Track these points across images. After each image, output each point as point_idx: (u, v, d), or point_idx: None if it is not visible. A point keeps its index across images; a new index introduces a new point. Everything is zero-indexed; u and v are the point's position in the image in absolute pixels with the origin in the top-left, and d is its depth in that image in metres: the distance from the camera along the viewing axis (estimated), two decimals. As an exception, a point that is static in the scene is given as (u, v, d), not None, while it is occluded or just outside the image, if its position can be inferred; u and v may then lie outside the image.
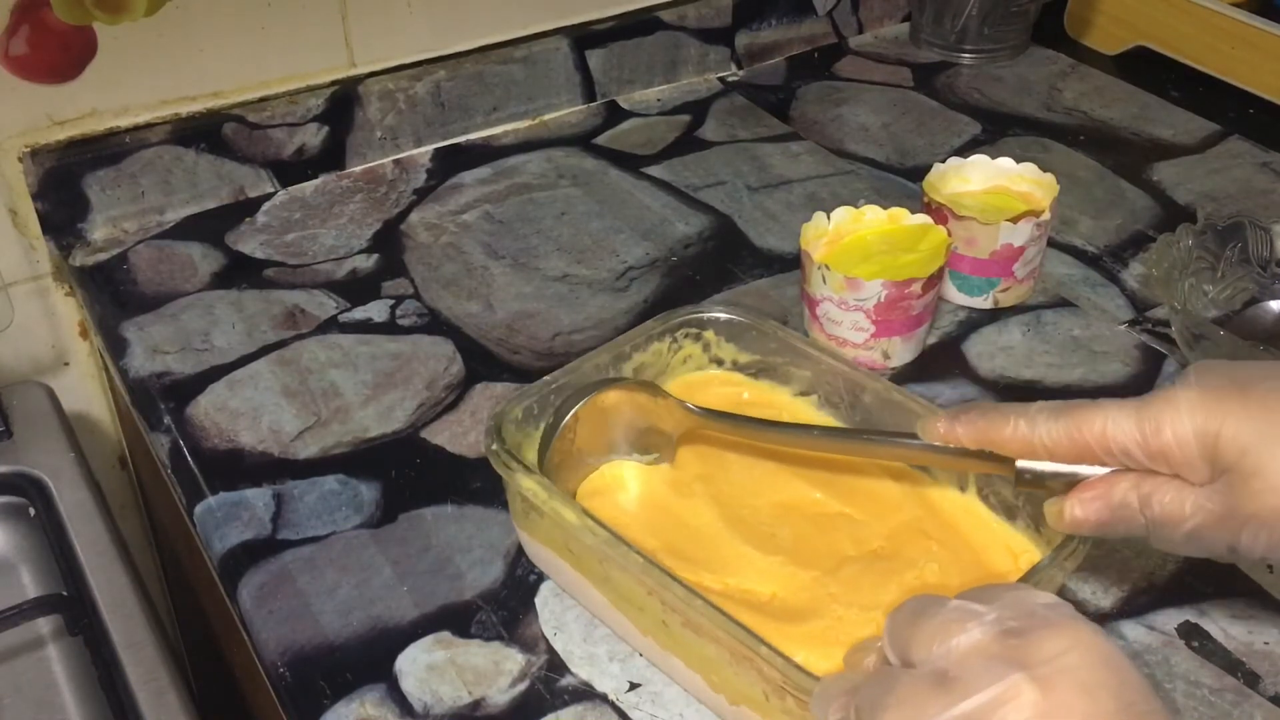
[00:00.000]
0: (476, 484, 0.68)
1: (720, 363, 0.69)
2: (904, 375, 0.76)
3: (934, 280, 0.74)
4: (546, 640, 0.60)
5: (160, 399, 0.75)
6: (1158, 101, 1.08)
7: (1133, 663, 0.38)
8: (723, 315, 0.68)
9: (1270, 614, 0.61)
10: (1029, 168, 0.83)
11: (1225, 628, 0.60)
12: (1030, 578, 0.52)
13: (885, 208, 0.79)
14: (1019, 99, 1.09)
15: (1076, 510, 0.48)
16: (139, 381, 0.76)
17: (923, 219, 0.78)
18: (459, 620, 0.61)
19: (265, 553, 0.64)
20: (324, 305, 0.82)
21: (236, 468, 0.70)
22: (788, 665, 0.47)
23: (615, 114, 1.05)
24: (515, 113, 1.02)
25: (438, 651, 0.59)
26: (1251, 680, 0.58)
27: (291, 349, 0.78)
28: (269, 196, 0.93)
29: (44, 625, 0.69)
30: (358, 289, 0.84)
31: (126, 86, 0.87)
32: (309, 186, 0.95)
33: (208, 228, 0.90)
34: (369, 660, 0.59)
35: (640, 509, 0.61)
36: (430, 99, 0.97)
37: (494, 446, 0.58)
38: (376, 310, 0.82)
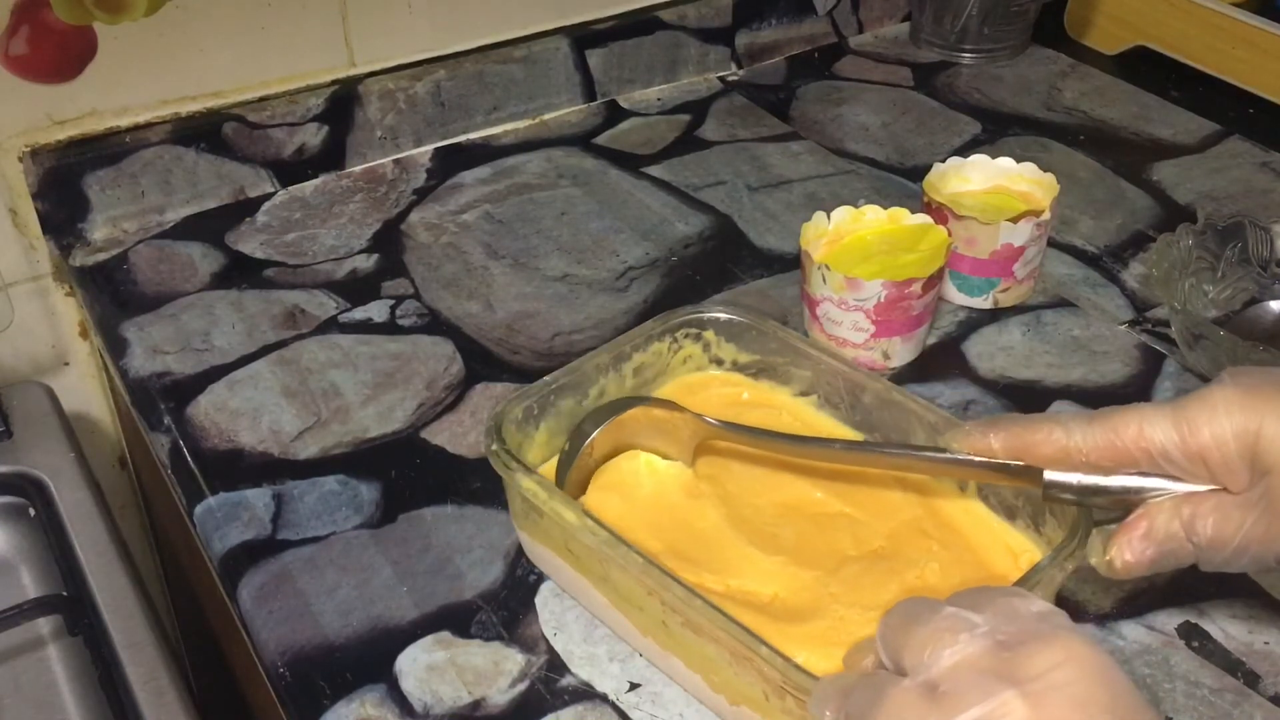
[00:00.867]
0: (476, 484, 0.68)
1: (720, 363, 0.69)
2: (904, 375, 0.76)
3: (934, 280, 0.74)
4: (546, 640, 0.60)
5: (160, 399, 0.75)
6: (1158, 101, 1.08)
7: (1126, 674, 0.38)
8: (723, 315, 0.68)
9: (1270, 614, 0.61)
10: (1029, 168, 0.83)
11: (1225, 628, 0.60)
12: (1030, 578, 0.52)
13: (885, 208, 0.79)
14: (1019, 99, 1.09)
15: (1126, 555, 0.47)
16: (139, 381, 0.76)
17: (923, 219, 0.78)
18: (459, 620, 0.61)
19: (265, 553, 0.64)
20: (324, 305, 0.82)
21: (236, 468, 0.70)
22: (787, 665, 0.47)
23: (615, 114, 1.05)
24: (515, 112, 1.02)
25: (438, 651, 0.59)
26: (1251, 680, 0.58)
27: (291, 349, 0.78)
28: (269, 196, 0.93)
29: (44, 625, 0.69)
30: (358, 289, 0.84)
31: (126, 86, 0.87)
32: (309, 186, 0.95)
33: (208, 228, 0.90)
34: (369, 660, 0.59)
35: (648, 509, 0.61)
36: (430, 99, 0.97)
37: (494, 446, 0.58)
38: (376, 310, 0.82)
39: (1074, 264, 0.87)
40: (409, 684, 0.58)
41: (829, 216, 0.78)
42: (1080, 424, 0.48)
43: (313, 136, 0.94)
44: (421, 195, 0.94)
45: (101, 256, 0.87)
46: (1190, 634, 0.60)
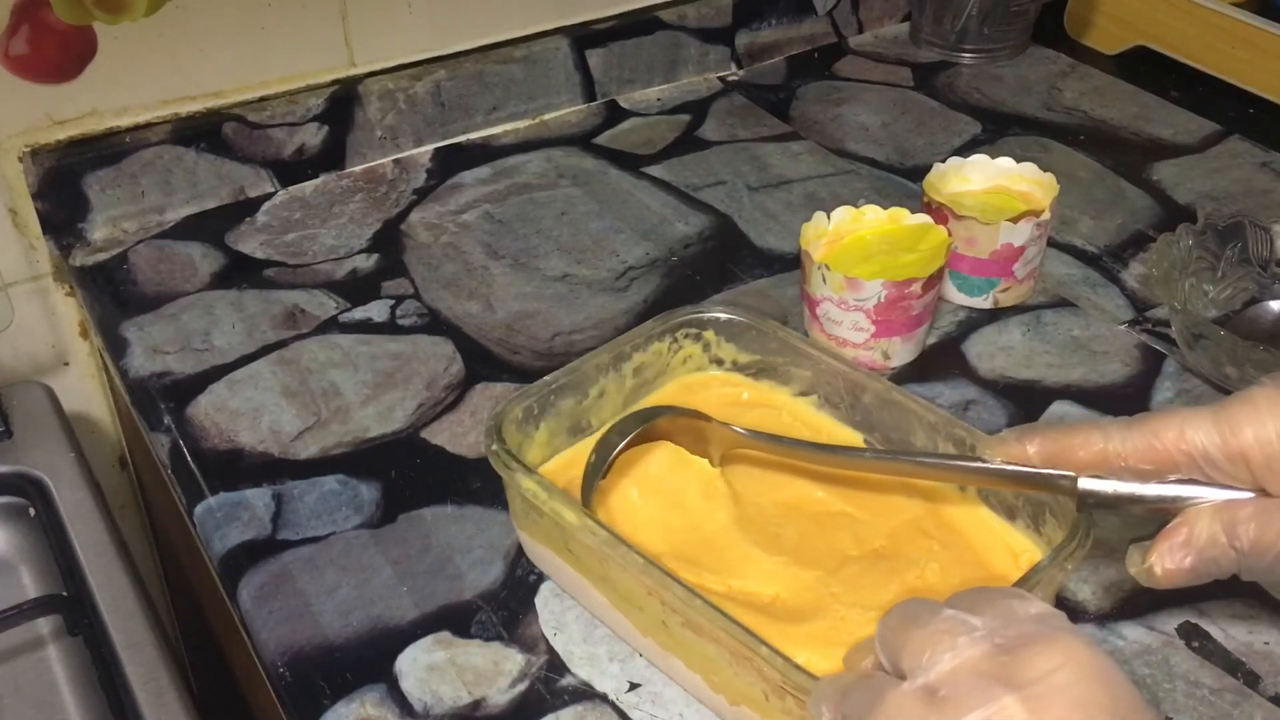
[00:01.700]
0: (476, 484, 0.68)
1: (720, 363, 0.69)
2: (904, 375, 0.76)
3: (934, 280, 0.74)
4: (546, 640, 0.60)
5: (160, 399, 0.75)
6: (1158, 101, 1.08)
7: (1126, 675, 0.38)
8: (723, 315, 0.68)
9: (1270, 614, 0.61)
10: (1029, 167, 0.83)
11: (1225, 628, 0.60)
12: (1030, 578, 0.52)
13: (885, 207, 0.79)
14: (1019, 99, 1.09)
15: (1166, 563, 0.47)
16: (139, 381, 0.76)
17: (923, 219, 0.78)
18: (459, 620, 0.61)
19: (265, 553, 0.64)
20: (324, 305, 0.82)
21: (236, 468, 0.70)
22: (787, 665, 0.47)
23: (615, 114, 1.05)
24: (515, 112, 1.02)
25: (438, 651, 0.59)
26: (1251, 680, 0.58)
27: (291, 349, 0.78)
28: (269, 196, 0.93)
29: (44, 625, 0.69)
30: (358, 289, 0.84)
31: (126, 86, 0.87)
32: (309, 186, 0.95)
33: (208, 228, 0.90)
34: (369, 660, 0.59)
35: (663, 506, 0.60)
36: (430, 99, 0.97)
37: (494, 446, 0.58)
38: (376, 310, 0.82)
39: (1074, 264, 0.87)
40: (409, 684, 0.58)
41: (829, 216, 0.78)
42: (1119, 428, 0.47)
43: (313, 136, 0.94)
44: (421, 195, 0.94)
45: (101, 256, 0.87)
46: (1190, 634, 0.60)
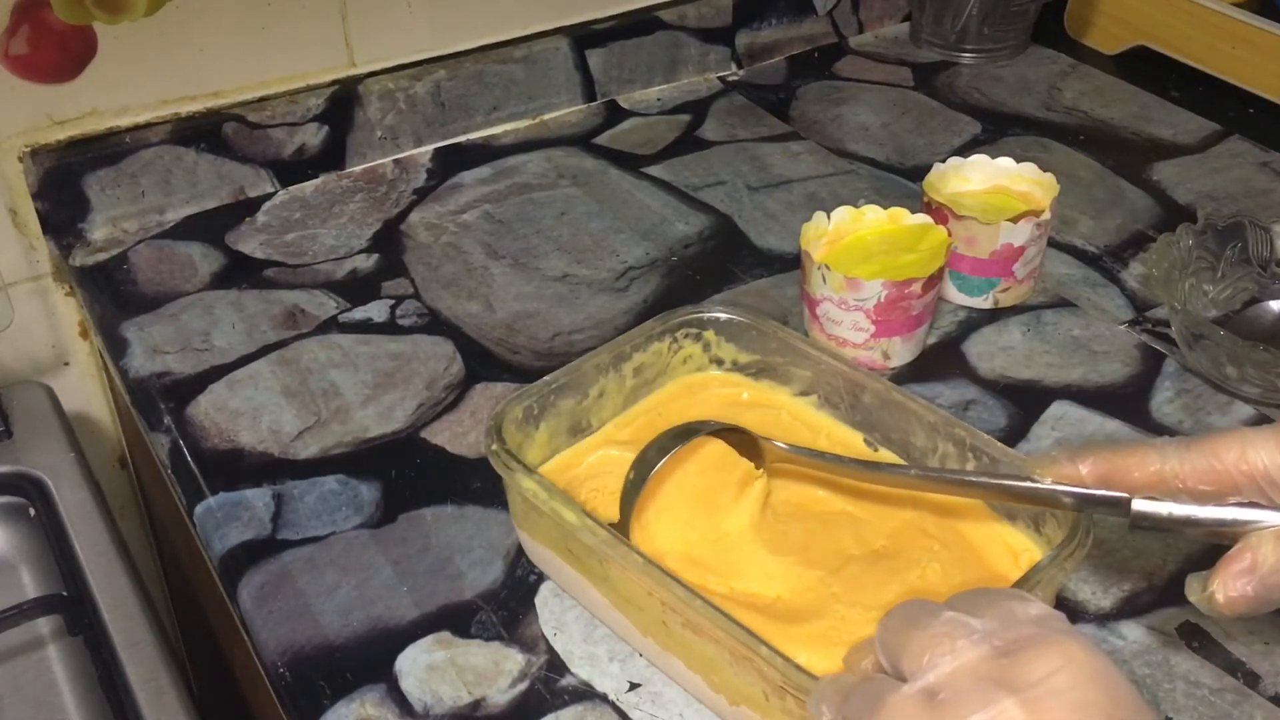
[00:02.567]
0: (476, 484, 0.68)
1: (720, 363, 0.69)
2: (904, 375, 0.76)
3: (934, 280, 0.74)
4: (546, 640, 0.60)
5: (160, 399, 0.75)
6: (1158, 101, 1.08)
7: (1125, 676, 0.38)
8: (723, 315, 0.68)
9: (1270, 614, 0.61)
10: (1029, 168, 0.83)
11: (1225, 628, 0.60)
12: (1030, 578, 0.52)
13: (885, 207, 0.79)
14: (1019, 99, 1.09)
15: (1229, 590, 0.45)
16: (139, 381, 0.76)
17: (923, 219, 0.78)
18: (459, 620, 0.61)
19: (265, 553, 0.64)
20: (324, 305, 0.82)
21: (236, 468, 0.70)
22: (787, 665, 0.47)
23: (615, 114, 1.05)
24: (515, 112, 1.02)
25: (438, 651, 0.59)
26: (1251, 680, 0.58)
27: (291, 349, 0.78)
28: (269, 196, 0.93)
29: (44, 625, 0.69)
30: (358, 289, 0.84)
31: (126, 86, 0.87)
32: (309, 186, 0.95)
33: (208, 228, 0.90)
34: (369, 660, 0.59)
35: (690, 503, 0.60)
36: (430, 99, 0.97)
37: (494, 446, 0.58)
38: (376, 310, 0.82)
39: (1074, 264, 0.87)
40: (409, 684, 0.58)
41: (829, 216, 0.78)
42: (1176, 448, 0.46)
43: (313, 136, 0.94)
44: (421, 195, 0.94)
45: (101, 256, 0.87)
46: (1190, 634, 0.60)
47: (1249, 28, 1.04)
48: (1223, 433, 0.46)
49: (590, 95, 1.06)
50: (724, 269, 0.86)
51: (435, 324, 0.81)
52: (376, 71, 0.95)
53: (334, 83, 0.94)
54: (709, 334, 0.68)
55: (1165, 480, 0.46)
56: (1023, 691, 0.37)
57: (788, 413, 0.67)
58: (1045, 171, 0.83)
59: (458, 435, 0.72)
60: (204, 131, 0.89)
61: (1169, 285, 0.76)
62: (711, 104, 1.07)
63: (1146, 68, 1.12)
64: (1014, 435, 0.72)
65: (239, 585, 0.63)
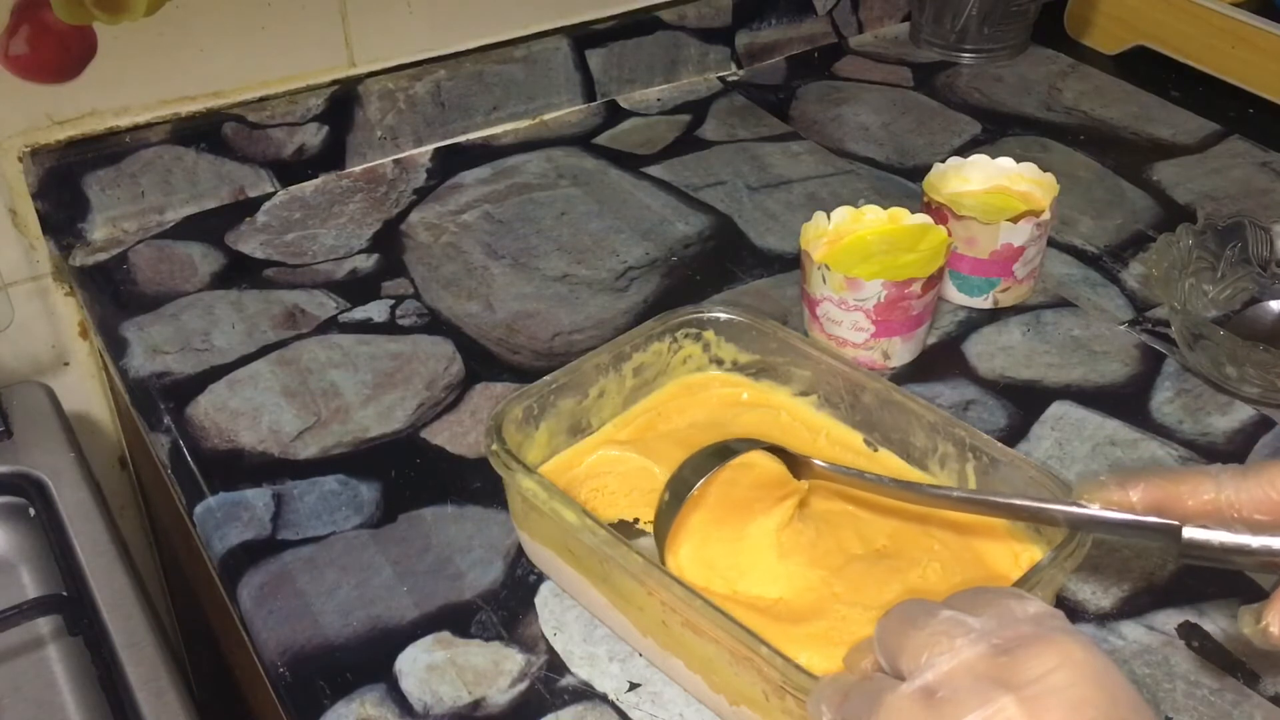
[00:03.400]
0: (476, 484, 0.68)
1: (720, 363, 0.69)
2: (904, 375, 0.76)
3: (934, 280, 0.74)
4: (546, 640, 0.60)
5: (160, 399, 0.75)
6: (1158, 101, 1.08)
7: (1124, 675, 0.38)
8: (723, 315, 0.68)
9: (1270, 614, 0.61)
10: (1029, 167, 0.83)
11: (1225, 628, 0.60)
12: (1030, 577, 0.52)
13: (885, 207, 0.79)
14: (1019, 99, 1.09)
15: None
16: (139, 381, 0.76)
17: (923, 219, 0.78)
18: (459, 620, 0.61)
19: (265, 553, 0.64)
20: (324, 305, 0.82)
21: (236, 468, 0.70)
22: (787, 665, 0.47)
23: (615, 114, 1.05)
24: (515, 112, 1.02)
25: (438, 651, 0.59)
26: (1251, 680, 0.58)
27: (291, 349, 0.78)
28: (269, 196, 0.93)
29: (44, 625, 0.69)
30: (358, 289, 0.84)
31: (126, 86, 0.87)
32: (309, 186, 0.95)
33: (208, 228, 0.90)
34: (369, 660, 0.59)
35: (726, 506, 0.59)
36: (430, 99, 0.97)
37: (494, 446, 0.58)
38: (376, 310, 0.82)
39: (1074, 264, 0.87)
40: (409, 684, 0.58)
41: (829, 216, 0.78)
42: (1232, 476, 0.45)
43: (313, 136, 0.94)
44: (421, 195, 0.94)
45: (101, 256, 0.87)
46: (1190, 634, 0.60)
47: (1249, 28, 1.04)
48: (1277, 461, 0.45)
49: (590, 95, 1.06)
50: (724, 269, 0.86)
51: (435, 324, 0.81)
52: (376, 71, 0.95)
53: (334, 83, 0.94)
54: (709, 334, 0.68)
55: (1220, 509, 0.45)
56: (1021, 689, 0.37)
57: (787, 413, 0.67)
58: (1045, 171, 0.83)
59: (458, 435, 0.72)
60: (204, 131, 0.89)
61: (1169, 285, 0.76)
62: (711, 104, 1.07)
63: (1146, 68, 1.12)
64: (1014, 435, 0.72)
65: (239, 585, 0.63)
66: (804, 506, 0.60)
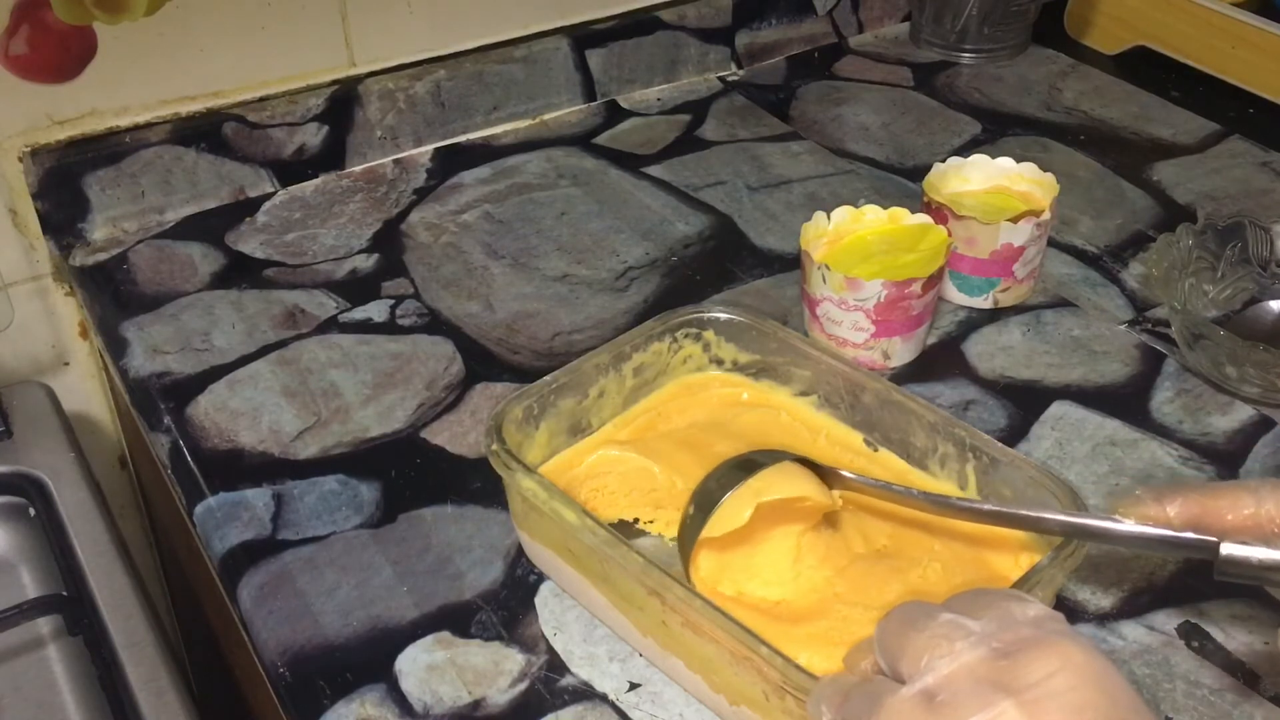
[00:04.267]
0: (476, 484, 0.68)
1: (720, 363, 0.69)
2: (904, 375, 0.76)
3: (934, 280, 0.74)
4: (546, 640, 0.60)
5: (160, 399, 0.75)
6: (1158, 101, 1.08)
7: (1124, 678, 0.38)
8: (723, 315, 0.68)
9: (1270, 614, 0.61)
10: (1029, 167, 0.83)
11: (1225, 628, 0.60)
12: (1030, 578, 0.52)
13: (885, 207, 0.79)
14: (1019, 99, 1.09)
15: None
16: (139, 381, 0.76)
17: (923, 219, 0.78)
18: (459, 620, 0.61)
19: (265, 553, 0.64)
20: (324, 305, 0.82)
21: (236, 468, 0.70)
22: (787, 665, 0.47)
23: (615, 114, 1.05)
24: (515, 112, 1.02)
25: (438, 651, 0.59)
26: (1251, 680, 0.58)
27: (291, 349, 0.78)
28: (269, 196, 0.93)
29: (44, 625, 0.69)
30: (358, 289, 0.84)
31: (126, 86, 0.87)
32: (309, 186, 0.95)
33: (208, 228, 0.90)
34: (369, 660, 0.59)
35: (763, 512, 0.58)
36: (430, 99, 0.97)
37: (494, 446, 0.58)
38: (376, 310, 0.82)
39: (1074, 264, 0.87)
40: (409, 684, 0.58)
41: (829, 216, 0.78)
42: (1271, 490, 0.45)
43: (313, 136, 0.94)
44: (421, 195, 0.94)
45: (101, 256, 0.87)
46: (1190, 634, 0.60)
47: (1249, 28, 1.04)
48: None
49: (590, 95, 1.06)
50: (724, 269, 0.86)
51: (435, 324, 0.81)
52: (376, 71, 0.95)
53: (334, 83, 0.94)
54: (709, 334, 0.68)
55: (1260, 524, 0.45)
56: (1021, 693, 0.37)
57: (787, 413, 0.67)
58: (1045, 171, 0.83)
59: (458, 435, 0.72)
60: (204, 131, 0.89)
61: (1169, 285, 0.76)
62: (711, 104, 1.07)
63: (1146, 68, 1.12)
64: (1014, 435, 0.72)
65: (239, 585, 0.63)
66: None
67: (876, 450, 0.65)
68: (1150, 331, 0.80)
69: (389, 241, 0.89)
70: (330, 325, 0.80)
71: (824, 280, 0.73)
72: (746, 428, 0.66)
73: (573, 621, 0.61)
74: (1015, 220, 0.77)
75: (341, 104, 0.94)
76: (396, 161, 0.98)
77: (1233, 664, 0.59)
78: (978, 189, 0.84)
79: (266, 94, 0.92)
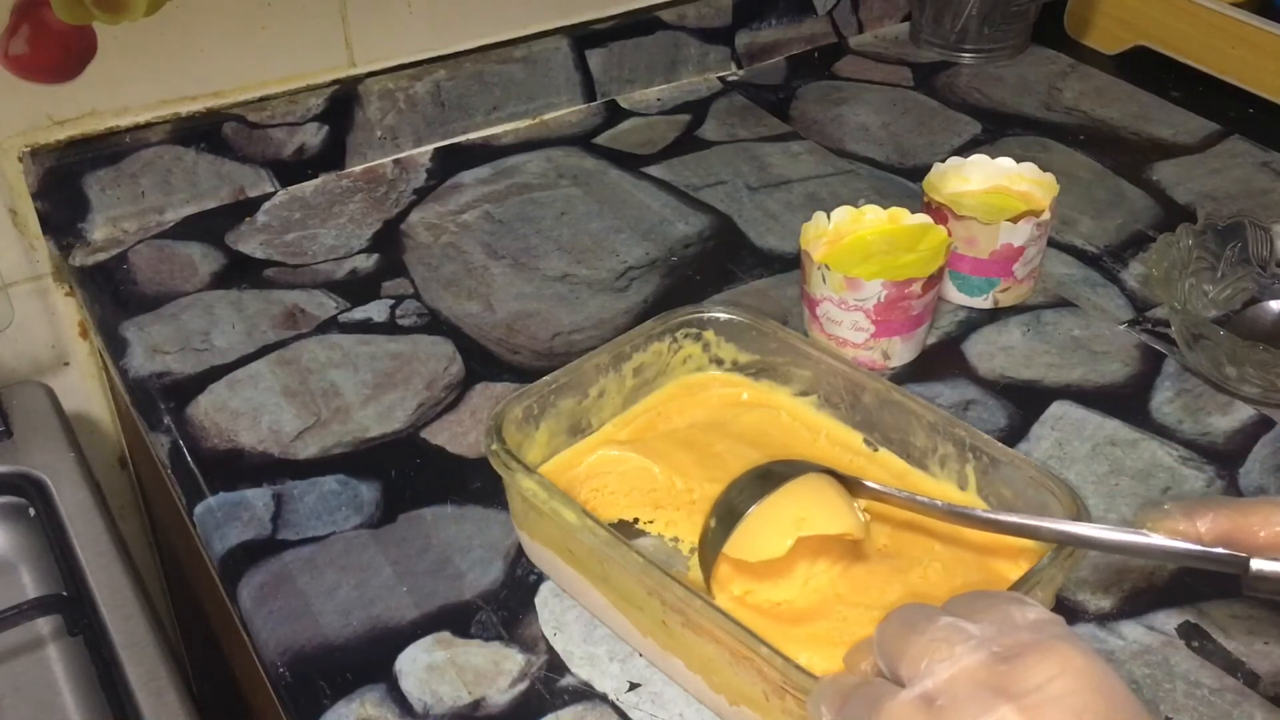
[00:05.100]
0: (476, 484, 0.68)
1: (720, 363, 0.69)
2: (904, 375, 0.76)
3: (934, 280, 0.74)
4: (546, 640, 0.60)
5: (160, 399, 0.75)
6: (1158, 101, 1.08)
7: (1124, 681, 0.38)
8: (723, 315, 0.68)
9: (1270, 614, 0.61)
10: (1029, 167, 0.83)
11: (1225, 628, 0.60)
12: (1030, 578, 0.52)
13: (885, 207, 0.79)
14: (1019, 99, 1.09)
15: None
16: (139, 381, 0.76)
17: (923, 219, 0.78)
18: (459, 620, 0.61)
19: (265, 553, 0.64)
20: (324, 305, 0.82)
21: (236, 468, 0.70)
22: (787, 665, 0.47)
23: (615, 114, 1.05)
24: (515, 112, 1.02)
25: (438, 651, 0.59)
26: (1251, 680, 0.58)
27: (291, 349, 0.78)
28: (269, 196, 0.93)
29: (44, 625, 0.69)
30: (358, 289, 0.84)
31: (126, 86, 0.87)
32: (309, 186, 0.95)
33: (208, 228, 0.90)
34: (369, 660, 0.59)
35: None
36: (430, 99, 0.97)
37: (494, 446, 0.58)
38: (376, 310, 0.82)
39: (1074, 264, 0.87)
40: (409, 684, 0.58)
41: (829, 216, 0.78)
42: None
43: (313, 136, 0.94)
44: (421, 195, 0.94)
45: (101, 256, 0.87)
46: (1190, 634, 0.60)
47: (1249, 28, 1.04)
48: None
49: (590, 95, 1.06)
50: (724, 269, 0.86)
51: (435, 324, 0.81)
52: (376, 71, 0.95)
53: (334, 83, 0.94)
54: (709, 334, 0.68)
55: None
56: (1021, 698, 0.37)
57: (787, 413, 0.67)
58: (1045, 171, 0.83)
59: (458, 435, 0.72)
60: (204, 131, 0.89)
61: (1169, 285, 0.76)
62: (711, 104, 1.07)
63: (1146, 68, 1.12)
64: (1014, 435, 0.72)
65: (239, 585, 0.63)
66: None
67: (876, 450, 0.65)
68: (1150, 331, 0.80)
69: (389, 241, 0.89)
70: (330, 325, 0.80)
71: (824, 280, 0.73)
72: (746, 428, 0.66)
73: (573, 621, 0.61)
74: (1015, 220, 0.77)
75: (341, 104, 0.94)
76: (396, 161, 0.98)
77: (1233, 664, 0.59)
78: (978, 189, 0.84)
79: (266, 94, 0.92)
